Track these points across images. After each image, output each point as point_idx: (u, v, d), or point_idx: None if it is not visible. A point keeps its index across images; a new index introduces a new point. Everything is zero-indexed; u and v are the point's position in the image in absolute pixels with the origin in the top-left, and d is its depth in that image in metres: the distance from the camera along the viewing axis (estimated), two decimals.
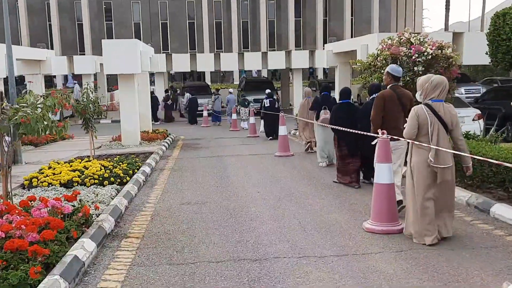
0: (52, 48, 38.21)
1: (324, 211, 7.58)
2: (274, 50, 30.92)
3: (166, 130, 19.88)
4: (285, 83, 31.21)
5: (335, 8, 40.79)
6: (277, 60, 27.08)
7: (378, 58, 11.54)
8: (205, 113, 24.47)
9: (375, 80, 11.39)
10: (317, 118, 11.71)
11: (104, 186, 9.44)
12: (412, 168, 5.90)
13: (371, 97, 8.73)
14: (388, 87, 7.22)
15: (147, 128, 19.24)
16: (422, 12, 42.70)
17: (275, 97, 18.56)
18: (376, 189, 6.42)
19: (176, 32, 41.70)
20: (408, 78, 10.89)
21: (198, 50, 37.45)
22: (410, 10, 42.51)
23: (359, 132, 8.04)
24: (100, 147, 16.14)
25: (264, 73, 37.85)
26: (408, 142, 6.18)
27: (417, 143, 5.88)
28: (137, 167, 11.07)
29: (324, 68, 38.02)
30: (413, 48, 10.96)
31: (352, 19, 39.13)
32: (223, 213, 7.67)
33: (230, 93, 25.79)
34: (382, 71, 11.25)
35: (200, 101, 27.09)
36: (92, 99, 11.25)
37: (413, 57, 10.87)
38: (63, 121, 9.52)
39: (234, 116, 22.30)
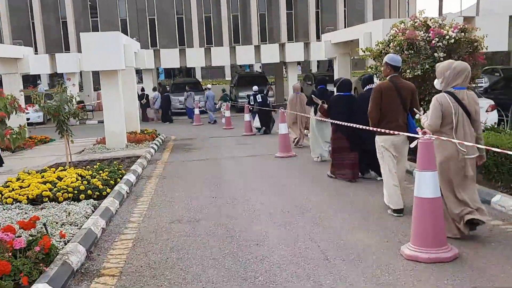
0: (36, 47, 36.48)
1: (346, 230, 6.12)
2: (267, 43, 29.28)
3: (155, 130, 18.36)
4: (279, 78, 29.72)
5: (328, 0, 39.29)
6: (270, 54, 25.61)
7: (391, 44, 10.08)
8: (196, 111, 22.92)
9: None
10: (315, 112, 10.89)
11: (80, 200, 7.93)
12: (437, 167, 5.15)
13: (365, 89, 8.50)
14: (387, 78, 6.65)
15: (134, 128, 17.72)
16: (416, 1, 41.29)
17: (270, 92, 17.61)
18: (418, 204, 4.97)
19: (165, 28, 40.04)
20: (427, 66, 9.44)
21: (188, 46, 35.83)
22: (403, 0, 41.17)
23: (357, 125, 7.48)
24: (83, 150, 14.60)
25: (258, 68, 36.36)
26: (409, 137, 6.16)
27: (443, 138, 5.27)
28: (120, 175, 9.55)
29: (318, 61, 36.56)
30: (432, 32, 9.51)
31: (345, 10, 37.65)
32: (222, 235, 6.19)
33: (209, 89, 24.36)
34: None
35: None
36: (66, 98, 9.68)
37: (433, 42, 9.42)
38: (19, 128, 7.93)
39: (227, 113, 20.78)
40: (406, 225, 5.95)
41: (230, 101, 21.05)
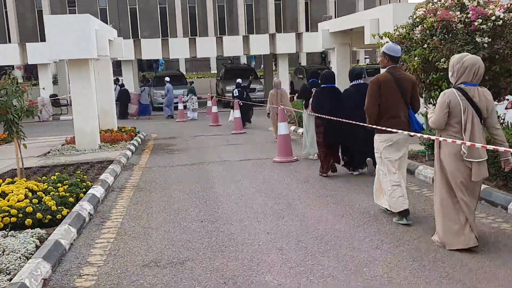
0: (9, 37, 33.99)
1: (397, 277, 4.20)
2: (254, 35, 27.26)
3: (134, 128, 16.29)
4: (268, 71, 27.73)
5: None
6: (259, 45, 23.61)
7: (419, 27, 8.17)
8: (180, 106, 20.87)
9: (416, 58, 8.05)
10: (306, 106, 10.25)
11: (25, 227, 5.91)
12: (441, 162, 4.94)
13: (351, 84, 8.19)
14: (385, 69, 6.02)
15: (111, 126, 15.64)
16: None
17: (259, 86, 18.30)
18: None
19: (147, 19, 37.73)
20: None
21: (171, 37, 33.58)
22: None
23: (347, 121, 7.26)
24: (49, 152, 12.49)
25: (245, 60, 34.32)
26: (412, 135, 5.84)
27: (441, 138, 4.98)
28: (85, 189, 7.53)
29: (307, 54, 34.66)
30: (472, 12, 7.60)
31: (335, 1, 35.69)
32: None
33: (167, 81, 22.44)
34: (426, 45, 7.94)
35: (175, 92, 23.43)
36: (14, 92, 7.58)
37: (475, 24, 7.52)
38: None
39: (214, 109, 18.74)
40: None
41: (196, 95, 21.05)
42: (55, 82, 27.82)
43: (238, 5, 35.54)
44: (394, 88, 5.82)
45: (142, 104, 22.31)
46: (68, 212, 6.32)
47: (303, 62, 34.38)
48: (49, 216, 6.15)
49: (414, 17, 8.50)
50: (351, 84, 8.28)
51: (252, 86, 23.07)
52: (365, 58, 35.44)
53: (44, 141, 15.26)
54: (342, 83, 16.39)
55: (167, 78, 23.03)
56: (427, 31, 7.99)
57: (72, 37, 11.67)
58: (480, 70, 4.83)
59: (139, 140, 14.48)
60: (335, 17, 35.57)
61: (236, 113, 16.08)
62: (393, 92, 5.82)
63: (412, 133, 5.81)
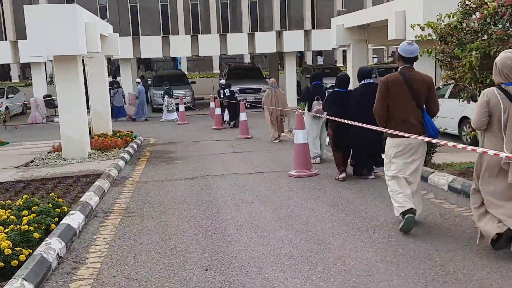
0: (5, 35, 32.34)
1: None
2: (259, 32, 25.34)
3: (131, 132, 14.62)
4: (273, 70, 26.01)
5: None
6: (265, 43, 21.91)
7: (477, 14, 6.49)
8: (181, 108, 19.19)
9: (473, 52, 6.37)
10: (309, 109, 9.63)
11: None
12: (482, 158, 4.56)
13: (360, 83, 7.82)
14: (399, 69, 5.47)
15: (105, 129, 14.01)
16: None
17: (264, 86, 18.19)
18: None
19: (147, 17, 36.02)
20: None
21: (173, 35, 31.86)
22: None
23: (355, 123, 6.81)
24: (32, 162, 10.85)
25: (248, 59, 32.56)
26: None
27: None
28: (58, 217, 5.85)
29: (313, 52, 32.91)
30: None
31: None
32: None
33: (138, 83, 21.05)
34: (487, 36, 6.27)
35: (176, 92, 21.83)
36: None
37: None
38: None
39: (218, 111, 17.04)
40: None
41: (172, 96, 20.34)
42: (50, 82, 26.16)
43: (242, 3, 33.82)
44: (403, 90, 5.32)
45: (115, 106, 20.46)
46: (26, 257, 4.64)
47: (309, 61, 32.64)
48: (0, 263, 4.47)
49: (467, 3, 6.82)
50: (360, 83, 7.86)
51: (256, 86, 21.44)
52: (373, 57, 33.70)
53: (30, 147, 13.61)
54: (357, 84, 14.77)
55: (137, 80, 21.58)
56: (488, 19, 6.32)
57: (56, 30, 10.00)
58: None
59: (135, 146, 12.79)
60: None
61: (242, 116, 14.40)
62: (403, 93, 5.32)
63: (426, 139, 5.16)
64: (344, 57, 34.28)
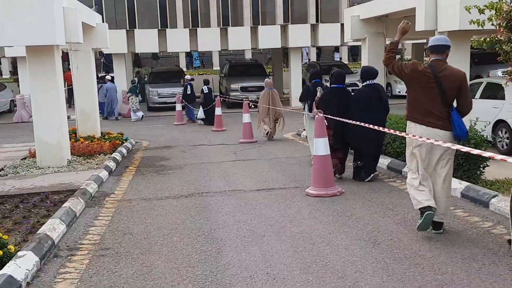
0: None
1: None
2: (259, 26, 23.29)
3: (121, 135, 12.93)
4: (277, 67, 24.28)
5: None
6: (269, 38, 20.18)
7: None
8: (178, 107, 17.47)
9: None
10: (310, 109, 9.00)
11: None
12: None
13: (363, 84, 7.47)
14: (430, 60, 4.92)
15: (92, 131, 12.34)
16: None
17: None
18: None
19: (144, 11, 34.25)
20: None
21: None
22: None
23: (352, 122, 6.64)
24: (2, 169, 9.15)
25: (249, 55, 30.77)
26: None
27: None
28: None
29: (318, 48, 31.15)
30: None
31: None
32: None
33: (109, 80, 19.41)
34: None
35: (172, 90, 20.15)
36: None
37: None
38: None
39: (218, 111, 15.35)
40: None
41: (139, 94, 18.88)
42: None
43: None
44: (431, 87, 4.76)
45: (99, 103, 18.83)
46: None
47: (313, 57, 30.92)
48: None
49: None
50: (363, 84, 7.48)
51: (260, 84, 19.68)
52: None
53: (5, 151, 11.92)
54: (380, 80, 13.11)
55: (108, 77, 20.03)
56: None
57: (27, 15, 8.31)
58: None
59: (124, 151, 11.10)
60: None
61: (245, 118, 12.70)
62: (430, 90, 4.77)
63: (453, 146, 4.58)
64: (352, 54, 32.62)
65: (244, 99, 14.28)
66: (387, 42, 13.91)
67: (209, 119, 15.97)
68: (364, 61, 13.69)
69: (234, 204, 6.54)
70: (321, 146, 6.79)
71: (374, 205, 6.25)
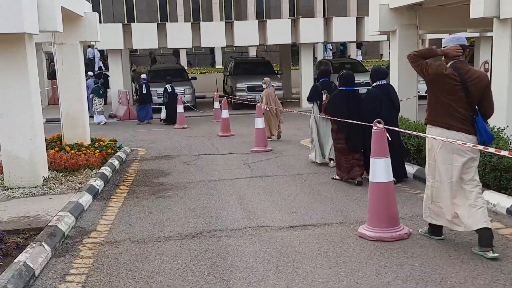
0: None
1: None
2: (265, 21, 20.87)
3: (114, 142, 10.94)
4: (285, 65, 22.22)
5: None
6: (278, 33, 18.14)
7: None
8: (179, 108, 15.43)
9: None
10: (320, 110, 8.37)
11: None
12: None
13: (374, 84, 7.00)
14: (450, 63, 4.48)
15: (80, 138, 10.37)
16: None
17: (276, 84, 16.21)
18: None
19: (143, 7, 32.14)
20: None
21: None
22: None
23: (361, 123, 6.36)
24: None
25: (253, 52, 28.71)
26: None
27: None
28: None
29: (325, 46, 29.05)
30: None
31: None
32: None
33: (91, 76, 17.78)
34: None
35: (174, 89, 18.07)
36: None
37: None
38: None
39: (225, 113, 13.30)
40: None
41: (104, 95, 16.93)
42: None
43: None
44: (457, 89, 4.34)
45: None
46: None
47: (319, 55, 28.86)
48: None
49: None
50: (373, 84, 7.04)
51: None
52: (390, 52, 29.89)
53: None
54: (404, 80, 11.14)
55: (90, 73, 18.17)
56: None
57: None
58: None
59: (116, 164, 9.07)
60: (357, 7, 30.00)
61: (258, 122, 10.67)
62: (455, 92, 4.35)
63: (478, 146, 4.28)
64: (364, 52, 30.61)
65: (251, 100, 12.32)
66: (420, 35, 11.98)
67: (172, 119, 15.41)
68: (394, 57, 11.66)
69: (263, 254, 4.53)
70: (380, 169, 4.77)
71: (461, 253, 4.25)
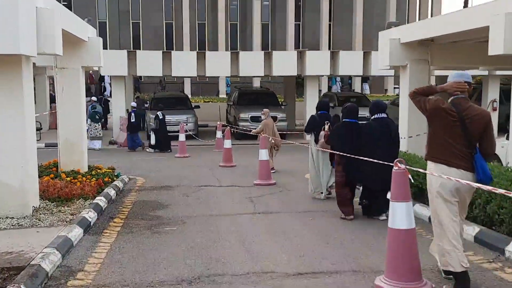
0: None
1: None
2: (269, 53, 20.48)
3: (112, 170, 10.47)
4: (290, 96, 21.89)
5: (341, 11, 31.62)
6: (284, 64, 17.86)
7: None
8: (181, 137, 14.99)
9: None
10: (316, 141, 8.47)
11: None
12: None
13: (373, 117, 6.95)
14: (450, 98, 4.50)
15: (77, 165, 9.92)
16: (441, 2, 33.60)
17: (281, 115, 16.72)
18: None
19: (151, 34, 32.14)
20: None
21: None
22: (425, 12, 33.82)
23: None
24: None
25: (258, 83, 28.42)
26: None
27: None
28: None
29: (332, 78, 28.82)
30: None
31: (362, 22, 29.94)
32: None
33: (95, 101, 17.58)
34: None
35: (175, 117, 17.79)
36: None
37: None
38: None
39: (227, 143, 12.86)
40: None
41: (101, 120, 16.79)
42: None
43: (253, 25, 29.93)
44: (455, 125, 4.30)
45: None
46: None
47: (324, 88, 28.59)
48: None
49: None
50: (372, 117, 6.94)
51: (272, 114, 17.20)
52: (395, 87, 29.68)
53: None
54: (414, 116, 10.69)
55: (93, 98, 17.96)
56: None
57: None
58: None
59: (113, 193, 8.57)
60: (362, 43, 29.84)
61: (262, 154, 10.20)
62: (453, 129, 4.30)
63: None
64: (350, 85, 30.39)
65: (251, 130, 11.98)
66: (432, 71, 11.64)
67: (164, 147, 15.43)
68: (404, 91, 11.24)
69: None
70: (401, 215, 4.27)
71: None
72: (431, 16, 31.93)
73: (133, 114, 15.92)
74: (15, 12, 6.06)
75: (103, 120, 17.33)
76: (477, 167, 4.30)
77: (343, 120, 7.35)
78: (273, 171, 11.01)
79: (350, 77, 29.06)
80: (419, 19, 32.27)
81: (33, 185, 7.06)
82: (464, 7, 34.75)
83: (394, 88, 29.97)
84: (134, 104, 16.81)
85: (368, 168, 6.56)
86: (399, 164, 4.36)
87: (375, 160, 5.96)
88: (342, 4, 32.11)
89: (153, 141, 15.59)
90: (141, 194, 9.05)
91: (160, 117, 15.75)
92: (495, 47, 7.59)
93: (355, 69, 18.08)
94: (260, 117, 17.43)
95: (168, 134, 15.86)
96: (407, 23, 27.96)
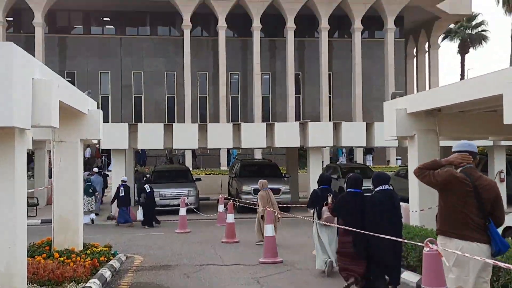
0: None
1: None
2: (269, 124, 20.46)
3: (109, 248, 9.82)
4: (292, 168, 21.49)
5: (340, 84, 31.97)
6: (286, 136, 17.62)
7: None
8: (182, 211, 14.38)
9: None
10: (319, 216, 8.21)
11: None
12: None
13: (376, 189, 6.80)
14: (459, 169, 4.49)
15: (71, 243, 9.33)
16: (438, 76, 34.12)
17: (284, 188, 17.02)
18: None
19: (152, 108, 32.30)
20: None
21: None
22: (423, 84, 34.24)
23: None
24: None
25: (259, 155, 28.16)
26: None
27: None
28: None
29: (338, 149, 28.55)
30: None
31: (362, 94, 30.14)
32: None
33: (95, 173, 17.92)
34: None
35: (176, 191, 17.29)
36: None
37: None
38: None
39: (230, 218, 12.24)
40: None
41: (95, 194, 16.31)
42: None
43: (254, 97, 30.17)
44: (469, 196, 4.25)
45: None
46: None
47: (326, 160, 28.25)
48: None
49: None
50: (376, 189, 6.82)
51: (274, 186, 16.70)
52: (397, 159, 29.36)
53: None
54: (424, 189, 10.17)
55: (95, 169, 18.11)
56: None
57: None
58: None
59: (108, 275, 7.91)
60: (362, 115, 29.98)
61: (268, 230, 9.60)
62: (468, 200, 4.25)
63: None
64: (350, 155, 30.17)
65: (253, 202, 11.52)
66: (440, 141, 11.33)
67: (151, 221, 14.97)
68: (413, 163, 10.80)
69: None
70: None
71: None
72: (429, 88, 32.26)
73: (122, 188, 15.41)
74: (9, 83, 5.72)
75: (96, 194, 16.81)
76: (494, 237, 4.25)
77: (348, 190, 7.28)
78: (261, 243, 10.31)
79: (351, 149, 28.86)
80: (417, 91, 32.60)
81: (20, 269, 6.41)
82: (460, 79, 35.30)
83: (397, 159, 29.62)
84: (125, 178, 16.20)
85: (372, 240, 6.48)
86: (430, 245, 3.82)
87: (386, 236, 5.81)
88: (341, 77, 32.53)
89: (140, 216, 15.04)
90: (138, 274, 8.38)
91: (148, 190, 15.25)
92: (510, 115, 7.25)
93: (358, 140, 17.81)
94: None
95: (156, 208, 15.57)
96: (406, 94, 28.16)
